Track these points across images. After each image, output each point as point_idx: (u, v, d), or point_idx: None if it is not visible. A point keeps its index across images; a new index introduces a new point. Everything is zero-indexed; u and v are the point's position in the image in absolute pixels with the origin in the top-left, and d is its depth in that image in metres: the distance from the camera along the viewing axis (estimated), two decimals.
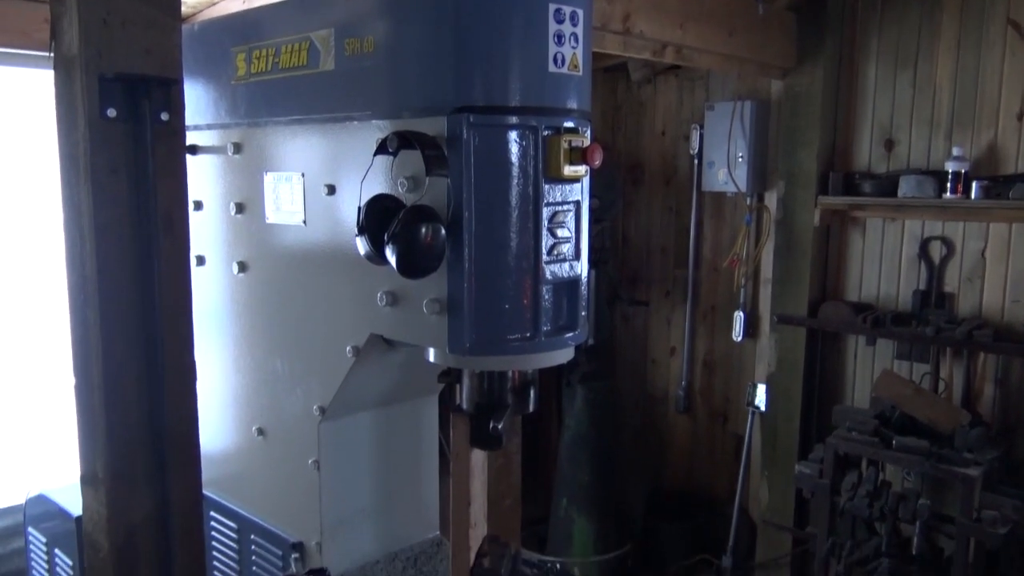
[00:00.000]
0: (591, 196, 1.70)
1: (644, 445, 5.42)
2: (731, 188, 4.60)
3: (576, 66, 1.61)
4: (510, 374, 1.76)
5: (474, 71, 1.54)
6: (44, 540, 2.61)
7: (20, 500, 2.73)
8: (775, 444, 4.62)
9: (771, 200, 4.60)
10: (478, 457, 1.86)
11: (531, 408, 1.81)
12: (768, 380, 4.63)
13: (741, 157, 4.55)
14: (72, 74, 1.55)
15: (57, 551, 2.54)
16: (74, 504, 2.33)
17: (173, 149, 1.64)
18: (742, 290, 4.80)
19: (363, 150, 1.68)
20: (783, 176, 4.44)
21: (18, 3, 3.08)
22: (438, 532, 2.27)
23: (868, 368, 4.41)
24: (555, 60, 1.57)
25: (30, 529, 2.69)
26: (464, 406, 1.79)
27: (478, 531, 1.93)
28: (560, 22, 1.56)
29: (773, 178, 4.56)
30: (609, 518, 4.75)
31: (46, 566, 2.61)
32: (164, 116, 1.60)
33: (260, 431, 2.17)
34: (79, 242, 1.59)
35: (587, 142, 1.63)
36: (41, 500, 2.59)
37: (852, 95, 4.33)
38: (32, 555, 2.71)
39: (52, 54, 1.60)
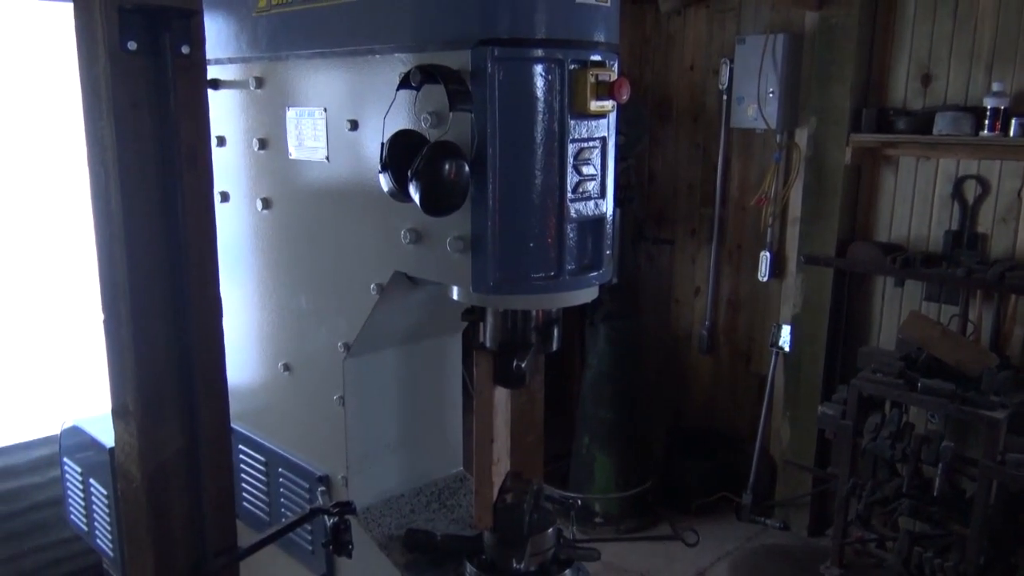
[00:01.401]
0: (617, 132, 1.67)
1: (666, 384, 5.44)
2: (760, 125, 4.51)
3: None
4: (534, 313, 1.76)
5: (499, 2, 1.49)
6: (79, 470, 2.68)
7: (56, 430, 2.80)
8: (798, 385, 4.62)
9: (801, 137, 4.50)
10: (501, 395, 1.87)
11: (554, 347, 1.81)
12: (793, 321, 4.60)
13: (772, 93, 4.44)
14: (91, 5, 1.53)
15: (92, 480, 2.61)
16: (107, 435, 2.39)
17: (194, 83, 1.62)
18: (769, 229, 4.74)
19: (386, 84, 1.65)
20: (814, 112, 4.34)
21: None
22: (462, 468, 2.30)
23: (895, 310, 4.37)
24: None
25: (65, 459, 2.76)
26: (487, 344, 1.79)
27: (501, 467, 1.95)
28: None
29: (804, 114, 4.46)
30: (630, 455, 4.80)
31: (82, 495, 2.69)
32: (185, 49, 1.57)
33: (286, 367, 2.19)
34: (103, 177, 1.59)
35: (614, 76, 1.58)
36: (75, 431, 2.66)
37: (889, 27, 4.19)
38: (68, 484, 2.79)
39: None
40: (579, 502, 4.68)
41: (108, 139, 1.55)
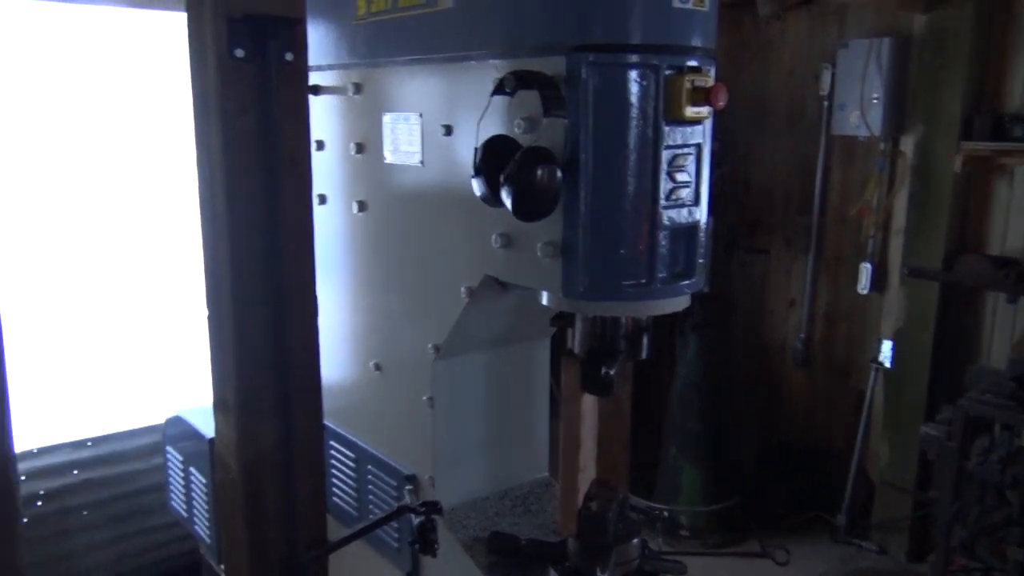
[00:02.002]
0: (713, 139, 1.64)
1: (758, 397, 5.30)
2: (863, 132, 4.35)
3: (702, 1, 1.53)
4: (623, 320, 1.74)
5: (595, 7, 1.48)
6: (181, 458, 2.80)
7: (161, 420, 2.94)
8: (899, 403, 4.43)
9: (907, 145, 4.32)
10: (588, 401, 1.86)
11: (644, 355, 1.79)
12: (895, 336, 4.41)
13: (876, 98, 4.28)
14: (203, 15, 1.60)
15: (192, 469, 2.72)
16: (208, 426, 2.48)
17: (297, 89, 1.67)
18: (871, 240, 4.57)
19: (480, 90, 1.66)
20: (922, 119, 4.16)
21: None
22: (547, 474, 2.30)
23: (1007, 327, 4.14)
24: None
25: (168, 447, 2.89)
26: (576, 350, 1.78)
27: (587, 475, 1.94)
28: None
29: (910, 121, 4.28)
30: (719, 468, 4.69)
31: (182, 483, 2.81)
32: (288, 56, 1.63)
33: (377, 366, 2.24)
34: (210, 179, 1.66)
35: (711, 82, 1.56)
36: (178, 421, 2.78)
37: (1006, 29, 3.97)
38: (170, 472, 2.92)
39: None
40: (665, 513, 4.60)
41: (215, 142, 1.62)
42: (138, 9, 3.45)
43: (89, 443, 3.73)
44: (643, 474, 4.89)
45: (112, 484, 3.76)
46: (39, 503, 3.56)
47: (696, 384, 4.63)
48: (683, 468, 4.65)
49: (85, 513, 3.71)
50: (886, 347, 4.46)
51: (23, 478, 3.44)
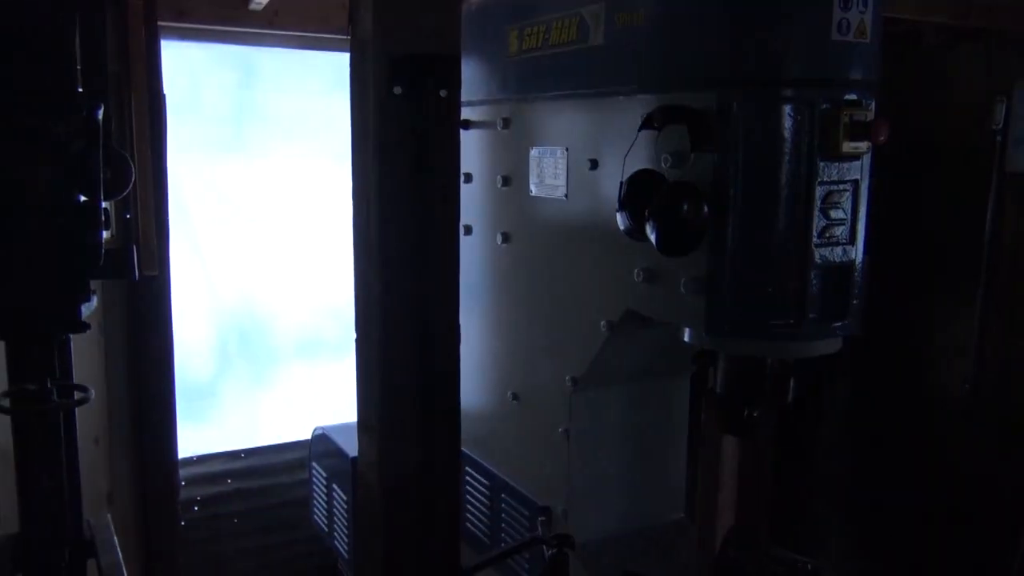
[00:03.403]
0: (872, 175, 1.56)
1: (917, 450, 4.95)
2: None
3: (863, 33, 1.47)
4: (769, 361, 1.68)
5: (748, 41, 1.46)
6: (325, 475, 2.92)
7: (309, 436, 3.07)
8: None
9: None
10: (729, 443, 1.80)
11: (790, 398, 1.72)
12: None
13: None
14: (364, 55, 1.69)
15: (335, 486, 2.83)
16: (351, 444, 2.58)
17: (449, 124, 1.73)
18: None
19: (628, 125, 1.67)
20: None
21: None
22: (683, 515, 2.24)
23: None
24: (839, 27, 1.45)
25: (314, 463, 3.02)
26: (718, 390, 1.73)
27: (725, 519, 1.87)
28: None
29: None
30: (869, 522, 4.41)
31: (325, 498, 2.93)
32: (443, 92, 1.69)
33: (515, 396, 2.26)
34: (365, 210, 1.74)
35: (871, 116, 1.49)
36: (324, 438, 2.90)
37: None
38: (314, 487, 3.04)
39: (349, 37, 1.75)
40: (810, 566, 4.37)
41: (372, 174, 1.70)
42: (306, 51, 3.68)
43: (242, 454, 3.96)
44: (787, 523, 4.66)
45: (261, 495, 3.96)
46: (196, 508, 3.80)
47: (847, 431, 4.38)
48: (830, 519, 4.40)
49: (235, 521, 3.92)
50: None
51: (183, 483, 3.68)
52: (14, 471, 1.63)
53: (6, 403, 1.55)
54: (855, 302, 1.57)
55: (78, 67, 1.43)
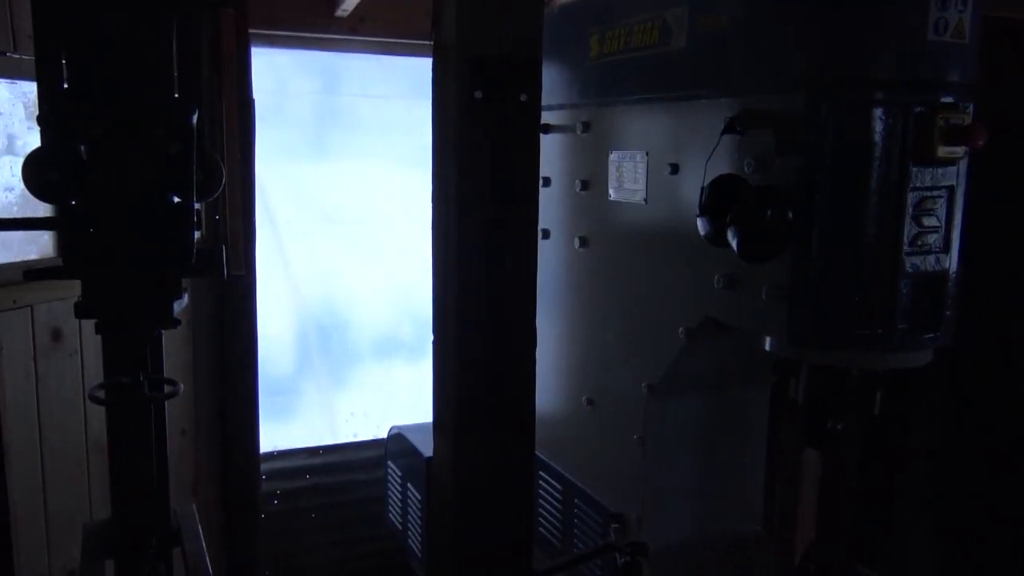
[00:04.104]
0: (968, 180, 1.50)
1: (1011, 468, 4.73)
2: None
3: (961, 33, 1.42)
4: (854, 371, 1.62)
5: (838, 41, 1.42)
6: (400, 474, 2.96)
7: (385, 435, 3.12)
8: None
9: None
10: (810, 456, 1.75)
11: (876, 411, 1.66)
12: None
13: None
14: (447, 59, 1.71)
15: (409, 485, 2.86)
16: (426, 444, 2.61)
17: (529, 127, 1.74)
18: None
19: (710, 129, 1.64)
20: None
21: None
22: (760, 528, 2.18)
23: None
24: (936, 27, 1.39)
25: (389, 462, 3.07)
26: (800, 401, 1.69)
27: (804, 534, 1.82)
28: None
29: None
30: (957, 544, 4.22)
31: (400, 497, 2.97)
32: (523, 97, 1.70)
33: (589, 401, 2.25)
34: (444, 214, 1.76)
35: (968, 119, 1.43)
36: (399, 437, 2.94)
37: None
38: (389, 485, 3.09)
39: (431, 42, 1.78)
40: None
41: (451, 177, 1.72)
42: (389, 56, 3.75)
43: (321, 451, 4.05)
44: (868, 540, 4.50)
45: (338, 491, 4.04)
46: (275, 501, 3.90)
47: (935, 447, 4.21)
48: (916, 539, 4.23)
49: (313, 516, 4.01)
50: None
51: (264, 477, 3.79)
52: (107, 460, 1.71)
53: (101, 395, 1.63)
54: (948, 312, 1.51)
55: (175, 73, 1.49)
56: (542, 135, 2.14)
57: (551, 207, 2.33)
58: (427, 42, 1.80)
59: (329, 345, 4.20)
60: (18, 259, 2.77)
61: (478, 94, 1.67)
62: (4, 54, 2.60)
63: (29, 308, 2.75)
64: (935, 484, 4.20)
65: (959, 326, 1.54)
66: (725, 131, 1.54)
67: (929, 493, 4.20)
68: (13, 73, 2.69)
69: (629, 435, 2.04)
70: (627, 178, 2.00)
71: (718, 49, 1.67)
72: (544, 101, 1.90)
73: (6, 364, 2.57)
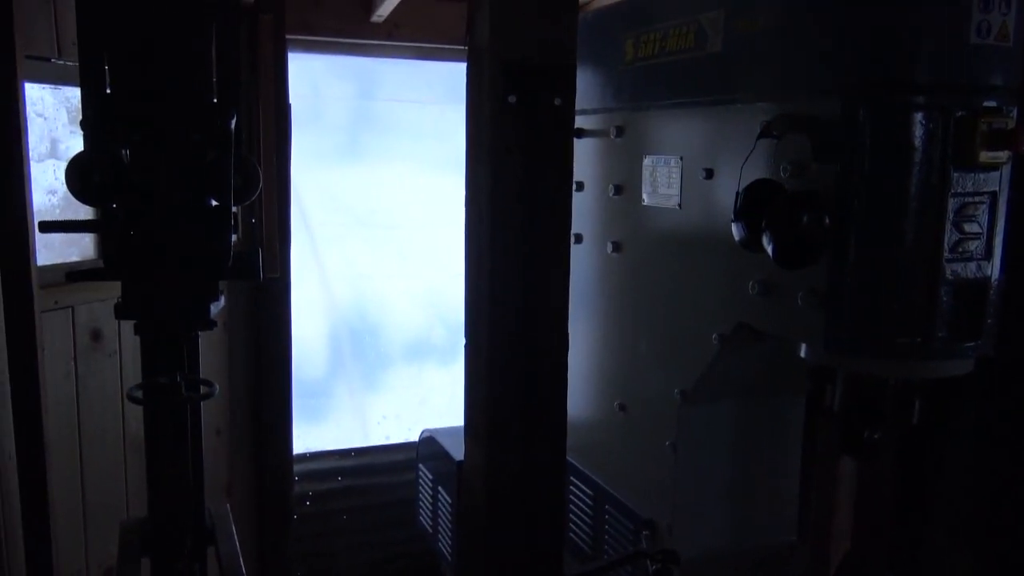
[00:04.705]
0: (1011, 186, 1.47)
1: None
2: None
3: (1006, 35, 1.39)
4: (891, 380, 1.60)
5: (876, 44, 1.40)
6: (431, 477, 2.97)
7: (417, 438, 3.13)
8: None
9: None
10: (846, 466, 1.72)
11: (914, 420, 1.63)
12: None
13: None
14: (481, 64, 1.71)
15: (440, 489, 2.87)
16: (458, 448, 2.61)
17: (563, 132, 1.74)
18: None
19: (745, 133, 1.63)
20: None
21: (443, 3, 3.51)
22: (794, 537, 2.15)
23: None
24: (979, 30, 1.37)
25: (420, 465, 3.08)
26: (836, 409, 1.67)
27: (840, 545, 1.79)
28: None
29: None
30: (1000, 557, 4.13)
31: (431, 500, 2.98)
32: (557, 101, 1.70)
33: (621, 407, 2.23)
34: (477, 217, 1.76)
35: (1011, 124, 1.40)
36: (431, 441, 2.95)
37: None
38: (420, 488, 3.10)
39: (466, 47, 1.78)
40: None
41: (484, 181, 1.72)
42: (424, 61, 3.77)
43: (353, 453, 4.07)
44: (906, 552, 4.42)
45: (370, 494, 4.06)
46: (307, 503, 3.93)
47: (975, 458, 4.13)
48: (955, 551, 4.15)
49: (344, 518, 4.04)
50: None
51: (296, 479, 3.82)
52: (144, 459, 1.73)
53: (139, 395, 1.65)
54: (989, 321, 1.48)
55: (214, 79, 1.51)
56: (575, 139, 2.14)
57: (584, 211, 2.32)
58: (461, 47, 1.81)
59: (362, 348, 4.24)
60: (60, 261, 2.84)
61: (512, 99, 1.67)
62: (48, 60, 2.66)
63: (70, 309, 2.80)
64: (974, 496, 4.11)
65: (1001, 334, 1.51)
66: (761, 135, 1.53)
67: (968, 505, 4.12)
68: (57, 79, 2.75)
69: (661, 441, 2.03)
70: (661, 183, 1.99)
71: (754, 53, 1.65)
72: (578, 105, 1.90)
73: (47, 363, 2.62)
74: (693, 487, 2.03)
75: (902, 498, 2.03)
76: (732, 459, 2.07)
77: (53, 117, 2.85)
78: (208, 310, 1.60)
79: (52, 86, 2.79)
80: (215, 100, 1.52)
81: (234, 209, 1.55)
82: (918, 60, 1.38)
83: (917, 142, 1.38)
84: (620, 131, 2.16)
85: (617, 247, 2.21)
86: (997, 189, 1.44)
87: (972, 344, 1.48)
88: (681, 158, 1.91)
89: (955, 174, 1.40)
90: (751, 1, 1.66)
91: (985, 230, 1.45)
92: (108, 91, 1.48)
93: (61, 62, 2.70)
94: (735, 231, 1.56)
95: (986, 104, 1.39)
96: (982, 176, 1.42)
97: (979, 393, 4.04)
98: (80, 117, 1.49)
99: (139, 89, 1.48)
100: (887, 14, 1.40)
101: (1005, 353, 1.70)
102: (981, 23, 1.37)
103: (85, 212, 1.97)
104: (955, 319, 1.45)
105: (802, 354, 1.63)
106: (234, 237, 1.57)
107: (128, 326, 1.63)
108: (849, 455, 1.69)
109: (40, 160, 2.75)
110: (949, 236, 1.41)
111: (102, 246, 1.71)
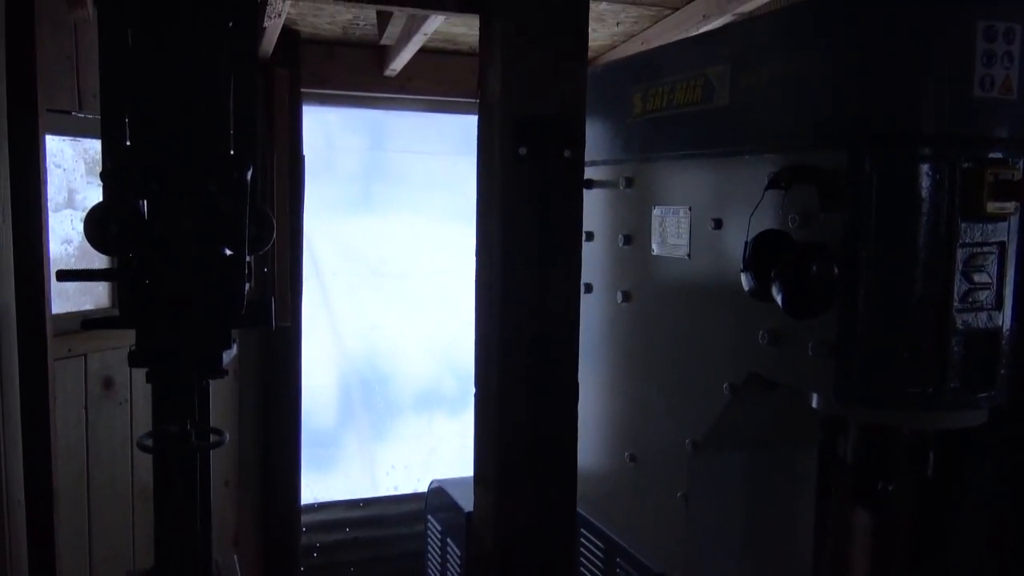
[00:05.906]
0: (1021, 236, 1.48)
1: None
2: None
3: (1009, 89, 1.41)
4: (904, 430, 1.59)
5: (881, 97, 1.42)
6: (440, 528, 2.94)
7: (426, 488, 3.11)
8: None
9: None
10: (861, 519, 1.70)
11: (928, 473, 1.61)
12: None
13: None
14: (492, 116, 1.75)
15: (449, 540, 2.84)
16: (467, 499, 2.59)
17: (572, 183, 1.76)
18: None
19: (753, 184, 1.64)
20: None
21: (455, 57, 3.58)
22: None
23: None
24: (982, 83, 1.39)
25: (429, 516, 3.04)
26: (848, 460, 1.65)
27: None
28: (991, 40, 1.38)
29: None
30: None
31: (439, 552, 2.94)
32: (567, 153, 1.72)
33: (632, 457, 2.22)
34: (488, 267, 1.77)
35: (1018, 175, 1.41)
36: (440, 491, 2.92)
37: None
38: (429, 540, 3.06)
39: (477, 100, 1.82)
40: None
41: (495, 231, 1.74)
42: (435, 114, 3.84)
43: (361, 504, 4.04)
44: None
45: (378, 545, 4.01)
46: (315, 554, 3.89)
47: (994, 512, 4.05)
48: None
49: (352, 570, 3.98)
50: None
51: (304, 529, 3.78)
52: (152, 508, 1.72)
53: (149, 443, 1.65)
54: (1002, 371, 1.47)
55: (231, 131, 1.54)
56: (585, 190, 2.16)
57: (594, 261, 2.34)
58: (472, 100, 1.84)
59: (371, 397, 4.23)
60: (74, 309, 2.86)
61: (522, 150, 1.70)
62: (70, 113, 2.73)
63: (83, 357, 2.82)
64: (994, 549, 4.02)
65: (1014, 384, 1.50)
66: (769, 186, 1.55)
67: (988, 558, 4.03)
68: (77, 131, 2.81)
69: (672, 492, 2.01)
70: (670, 233, 2.00)
71: (761, 105, 1.68)
72: (587, 157, 1.93)
73: (59, 410, 2.63)
74: (705, 538, 2.00)
75: (919, 551, 1.99)
76: (744, 510, 2.05)
77: (72, 168, 2.91)
78: (221, 358, 1.61)
79: (72, 138, 2.85)
80: (232, 152, 1.55)
81: (248, 258, 1.56)
82: (922, 112, 1.40)
83: (923, 193, 1.40)
84: (629, 182, 2.18)
85: (627, 296, 2.21)
86: (1006, 239, 1.45)
87: (985, 395, 1.47)
88: (690, 208, 1.92)
89: (963, 224, 1.40)
90: (757, 55, 1.69)
91: (995, 280, 1.45)
92: (128, 143, 1.51)
93: (81, 115, 2.76)
94: (744, 281, 1.56)
95: (992, 155, 1.40)
96: (990, 227, 1.43)
97: (995, 445, 3.98)
98: (99, 168, 1.52)
99: (158, 142, 1.51)
100: (891, 68, 1.42)
101: (1020, 404, 1.69)
102: (984, 77, 1.39)
103: (100, 261, 2.00)
104: (967, 369, 1.44)
105: (813, 404, 1.62)
106: (247, 286, 1.59)
107: (140, 375, 1.63)
108: (863, 507, 1.66)
109: (57, 210, 2.79)
110: (959, 286, 1.42)
111: (119, 294, 1.72)
